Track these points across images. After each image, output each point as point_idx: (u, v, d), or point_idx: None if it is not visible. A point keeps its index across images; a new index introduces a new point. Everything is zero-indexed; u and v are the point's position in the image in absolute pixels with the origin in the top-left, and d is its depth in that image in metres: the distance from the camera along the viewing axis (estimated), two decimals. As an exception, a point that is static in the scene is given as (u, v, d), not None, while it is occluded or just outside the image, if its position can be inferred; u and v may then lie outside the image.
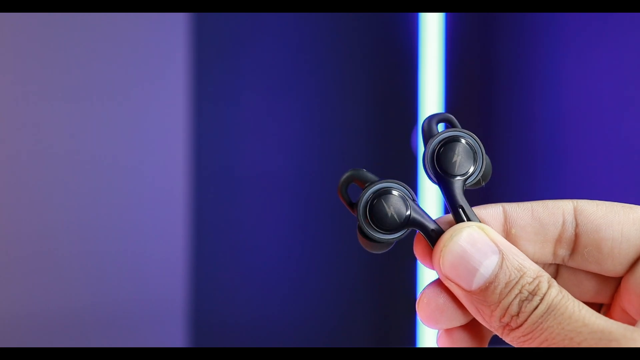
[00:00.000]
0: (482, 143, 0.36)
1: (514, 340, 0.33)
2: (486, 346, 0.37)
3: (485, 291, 0.33)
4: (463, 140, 0.36)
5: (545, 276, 0.33)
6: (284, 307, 1.11)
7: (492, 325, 0.34)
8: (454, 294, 0.35)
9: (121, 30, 1.01)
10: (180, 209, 1.05)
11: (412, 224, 0.35)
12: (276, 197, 1.10)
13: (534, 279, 0.33)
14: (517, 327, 0.33)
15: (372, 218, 0.35)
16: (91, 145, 1.00)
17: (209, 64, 1.06)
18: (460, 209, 0.35)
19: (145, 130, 1.03)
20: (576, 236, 0.36)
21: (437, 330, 0.37)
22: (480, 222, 0.35)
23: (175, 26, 1.03)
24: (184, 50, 1.04)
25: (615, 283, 0.37)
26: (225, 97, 1.07)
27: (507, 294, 0.33)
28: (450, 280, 0.34)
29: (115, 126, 1.01)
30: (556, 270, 0.37)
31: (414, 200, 0.36)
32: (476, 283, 0.33)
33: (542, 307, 0.32)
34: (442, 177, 0.36)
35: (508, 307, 0.33)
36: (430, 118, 0.37)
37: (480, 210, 0.36)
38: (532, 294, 0.33)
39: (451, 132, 0.36)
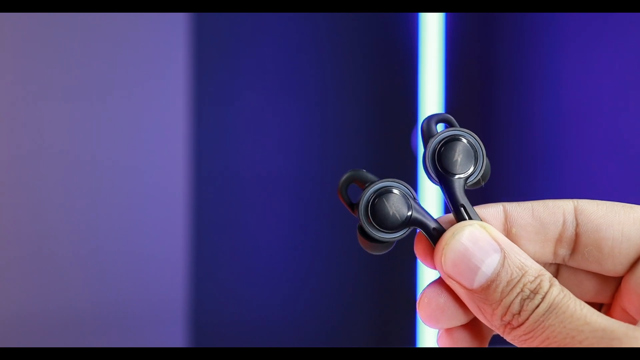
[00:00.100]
0: (483, 142, 0.36)
1: (515, 339, 0.33)
2: (486, 346, 0.37)
3: (486, 289, 0.33)
4: (464, 140, 0.36)
5: (547, 275, 0.33)
6: (284, 307, 1.11)
7: (493, 324, 0.34)
8: (454, 293, 0.35)
9: (121, 30, 1.01)
10: (180, 209, 1.05)
11: (414, 223, 0.35)
12: (276, 197, 1.10)
13: (536, 277, 0.33)
14: (519, 326, 0.33)
15: (373, 217, 0.35)
16: (91, 145, 1.00)
17: (209, 64, 1.06)
18: (462, 208, 0.35)
19: (145, 130, 1.03)
20: (577, 236, 0.36)
21: (437, 330, 0.37)
22: (481, 220, 0.35)
23: (175, 26, 1.03)
24: (184, 50, 1.04)
25: (615, 283, 0.37)
26: (225, 97, 1.07)
27: (508, 293, 0.33)
28: (451, 278, 0.34)
29: (115, 126, 1.01)
30: (556, 270, 0.37)
31: (415, 199, 0.36)
32: (478, 281, 0.33)
33: (543, 306, 0.32)
34: (443, 176, 0.36)
35: (510, 306, 0.33)
36: (429, 118, 0.37)
37: (481, 210, 0.36)
38: (534, 292, 0.33)
39: (452, 131, 0.36)
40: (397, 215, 0.35)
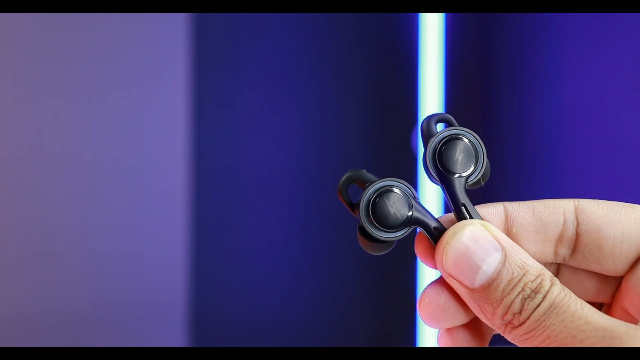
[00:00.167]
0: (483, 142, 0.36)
1: (516, 338, 0.33)
2: (487, 346, 0.37)
3: (487, 289, 0.33)
4: (465, 139, 0.36)
5: (548, 274, 0.33)
6: (284, 307, 1.11)
7: (494, 323, 0.34)
8: (455, 293, 0.35)
9: (121, 30, 1.01)
10: (180, 209, 1.05)
11: (415, 222, 0.35)
12: (276, 197, 1.10)
13: (537, 276, 0.33)
14: (520, 325, 0.33)
15: (374, 216, 0.35)
16: (91, 145, 1.00)
17: (209, 64, 1.06)
18: (463, 207, 0.35)
19: (145, 130, 1.03)
20: (577, 235, 0.36)
21: (437, 330, 0.37)
22: (482, 219, 0.35)
23: (175, 26, 1.03)
24: (184, 50, 1.04)
25: (616, 282, 0.37)
26: (225, 97, 1.07)
27: (509, 292, 0.33)
28: (452, 277, 0.34)
29: (116, 126, 1.01)
30: (557, 270, 0.37)
31: (415, 198, 0.36)
32: (479, 280, 0.33)
33: (544, 305, 0.32)
34: (444, 175, 0.36)
35: (510, 305, 0.33)
36: (429, 118, 0.37)
37: (482, 209, 0.36)
38: (535, 291, 0.33)
39: (453, 130, 0.36)
40: (398, 215, 0.35)
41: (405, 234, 0.36)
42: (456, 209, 0.35)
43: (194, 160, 1.05)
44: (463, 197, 0.35)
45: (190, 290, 1.06)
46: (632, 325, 0.31)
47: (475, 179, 0.36)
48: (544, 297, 0.33)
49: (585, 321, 0.32)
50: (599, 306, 0.38)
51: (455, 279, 0.34)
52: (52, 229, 0.99)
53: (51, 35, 0.97)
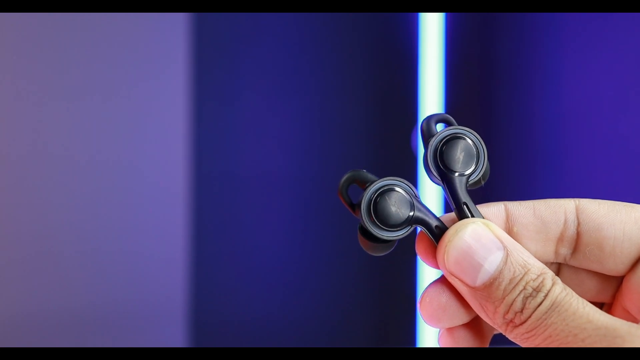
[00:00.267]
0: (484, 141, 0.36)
1: (517, 337, 0.33)
2: (488, 345, 0.37)
3: (489, 287, 0.33)
4: (466, 138, 0.36)
5: (549, 273, 0.33)
6: (284, 307, 1.11)
7: (495, 322, 0.34)
8: (456, 292, 0.35)
9: (121, 30, 1.01)
10: (180, 209, 1.05)
11: (416, 221, 0.35)
12: (276, 197, 1.10)
13: (538, 275, 0.33)
14: (521, 324, 0.33)
15: (375, 215, 0.35)
16: (91, 145, 1.00)
17: (209, 64, 1.06)
18: (465, 206, 0.35)
19: (145, 130, 1.03)
20: (578, 235, 0.36)
21: (438, 330, 0.37)
22: (484, 218, 0.35)
23: (175, 26, 1.03)
24: (184, 50, 1.04)
25: (617, 282, 0.37)
26: (225, 97, 1.07)
27: (511, 290, 0.33)
28: (454, 276, 0.34)
29: (115, 126, 1.01)
30: (558, 269, 0.37)
31: (417, 197, 0.36)
32: (480, 279, 0.33)
33: (546, 304, 0.32)
34: (445, 174, 0.36)
35: (512, 304, 0.33)
36: (428, 118, 0.37)
37: (482, 209, 0.36)
38: (536, 290, 0.33)
39: (454, 130, 0.36)
40: (400, 213, 0.35)
41: (406, 234, 0.36)
42: (458, 207, 0.35)
43: (194, 160, 1.05)
44: (464, 196, 0.35)
45: (190, 290, 1.06)
46: (634, 325, 0.31)
47: (476, 178, 0.36)
48: (545, 296, 0.33)
49: (587, 320, 0.32)
50: (599, 306, 0.38)
51: (457, 278, 0.34)
52: (52, 229, 0.99)
53: (51, 36, 0.97)
